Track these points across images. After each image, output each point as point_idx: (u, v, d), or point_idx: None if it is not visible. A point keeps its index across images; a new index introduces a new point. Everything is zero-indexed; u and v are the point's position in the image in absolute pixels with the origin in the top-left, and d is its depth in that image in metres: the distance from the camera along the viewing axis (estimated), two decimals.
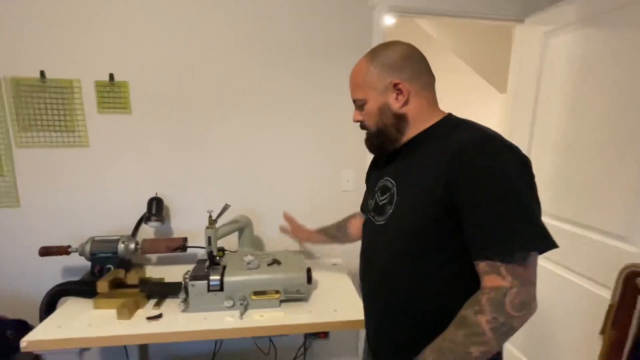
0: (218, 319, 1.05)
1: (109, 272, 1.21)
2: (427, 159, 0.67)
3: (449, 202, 0.61)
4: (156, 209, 1.36)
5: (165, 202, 1.45)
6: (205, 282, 1.08)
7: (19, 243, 1.40)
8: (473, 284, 0.62)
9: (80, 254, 1.24)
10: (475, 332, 0.57)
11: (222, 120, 1.45)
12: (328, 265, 1.49)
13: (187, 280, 1.08)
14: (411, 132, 0.73)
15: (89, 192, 1.41)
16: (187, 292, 1.09)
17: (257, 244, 1.55)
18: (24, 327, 1.30)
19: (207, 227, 1.13)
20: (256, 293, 1.11)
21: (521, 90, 1.52)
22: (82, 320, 1.04)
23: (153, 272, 1.37)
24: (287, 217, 1.24)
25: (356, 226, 1.11)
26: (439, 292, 0.66)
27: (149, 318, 1.05)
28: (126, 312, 1.04)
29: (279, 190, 1.53)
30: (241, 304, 1.08)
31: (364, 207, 0.88)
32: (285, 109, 1.48)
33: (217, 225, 1.16)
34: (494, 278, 0.58)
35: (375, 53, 0.73)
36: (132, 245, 1.28)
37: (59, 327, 1.00)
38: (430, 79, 0.73)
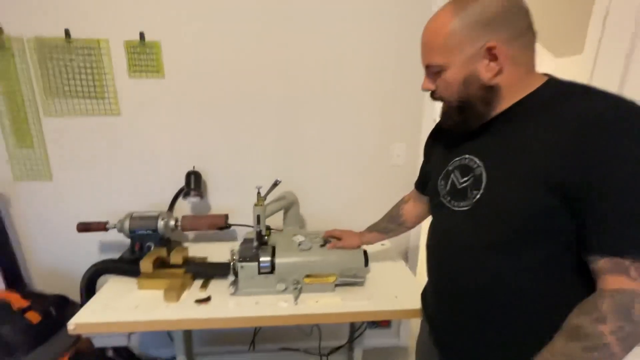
0: (271, 303, 0.97)
1: (149, 250, 1.14)
2: (531, 136, 0.54)
3: (569, 188, 0.49)
4: (195, 183, 1.26)
5: (205, 176, 1.36)
6: (256, 263, 0.99)
7: (53, 217, 1.34)
8: (578, 281, 0.53)
9: (119, 231, 1.17)
10: (596, 344, 0.46)
11: (262, 88, 1.30)
12: (376, 246, 1.38)
13: (235, 261, 1.00)
14: (503, 104, 0.58)
15: (121, 164, 1.32)
16: (236, 274, 1.01)
17: (302, 222, 1.45)
18: (65, 303, 1.26)
19: (256, 205, 1.02)
20: (309, 276, 1.02)
21: (606, 51, 1.30)
22: (128, 302, 0.97)
23: (191, 250, 1.30)
24: (330, 234, 1.11)
25: (410, 212, 1.00)
26: (540, 289, 0.56)
27: (197, 301, 0.97)
28: (174, 294, 0.97)
29: (323, 164, 1.41)
30: (295, 288, 0.99)
31: (431, 191, 0.73)
32: (331, 77, 1.32)
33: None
34: (619, 279, 0.47)
35: (462, 3, 0.55)
36: (172, 222, 1.20)
37: (105, 309, 0.94)
38: (533, 36, 0.56)
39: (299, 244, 1.06)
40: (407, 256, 1.54)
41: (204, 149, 1.33)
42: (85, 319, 0.89)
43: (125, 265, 1.09)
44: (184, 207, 1.40)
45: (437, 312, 0.74)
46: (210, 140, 1.33)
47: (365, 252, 1.06)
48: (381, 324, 1.00)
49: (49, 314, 1.18)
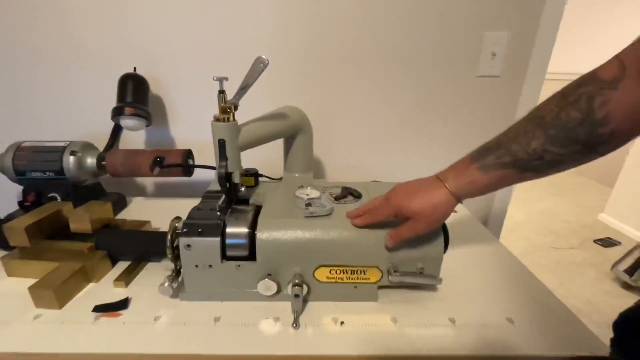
0: (245, 324, 0.46)
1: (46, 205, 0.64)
2: None
3: None
4: (134, 93, 0.73)
5: (161, 91, 0.82)
6: (217, 239, 0.47)
7: None
8: None
9: (1, 172, 0.68)
10: None
11: None
12: None
13: (175, 234, 0.48)
14: None
15: (38, 70, 0.80)
16: (176, 261, 0.49)
17: (317, 167, 0.90)
18: None
19: (217, 118, 0.48)
20: (325, 268, 0.49)
21: None
22: None
23: (139, 210, 0.80)
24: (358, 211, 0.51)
25: (622, 98, 0.32)
26: None
27: (98, 309, 0.48)
28: (50, 294, 0.47)
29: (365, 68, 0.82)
30: (296, 295, 0.47)
31: None
32: None
33: (241, 119, 0.51)
34: None
35: None
36: (92, 160, 0.69)
37: None
38: None
39: (307, 204, 0.52)
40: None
41: (159, 41, 0.78)
42: None
43: None
44: (138, 143, 0.89)
45: None
46: (169, 26, 0.77)
47: (445, 227, 0.51)
48: None
49: None
